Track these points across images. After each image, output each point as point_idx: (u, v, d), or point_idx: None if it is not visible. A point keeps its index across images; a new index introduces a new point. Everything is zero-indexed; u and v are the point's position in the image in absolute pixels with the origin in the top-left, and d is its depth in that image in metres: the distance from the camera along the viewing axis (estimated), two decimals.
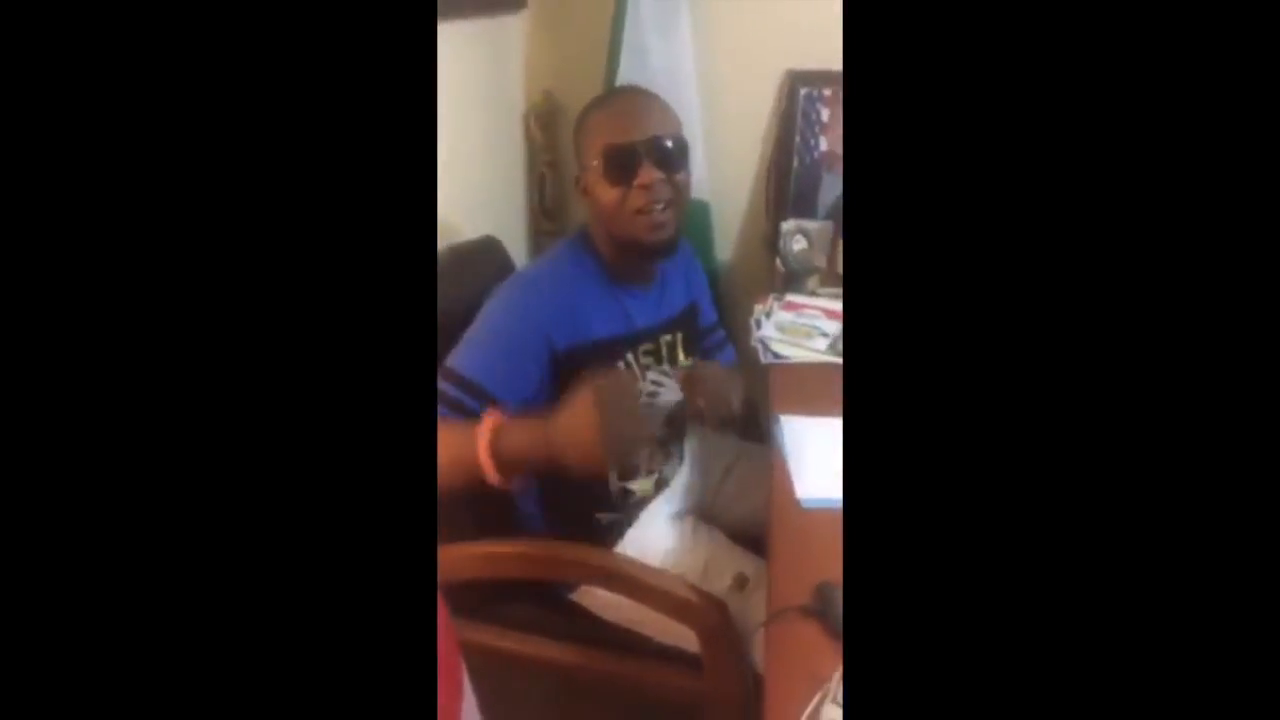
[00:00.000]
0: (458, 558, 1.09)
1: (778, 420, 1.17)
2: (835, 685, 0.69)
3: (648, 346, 1.21)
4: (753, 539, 1.21)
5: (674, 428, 1.31)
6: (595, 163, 1.09)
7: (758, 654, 0.97)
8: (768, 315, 1.52)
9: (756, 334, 1.46)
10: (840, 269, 1.62)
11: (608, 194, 1.09)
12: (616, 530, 1.22)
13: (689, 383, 1.14)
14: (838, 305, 1.53)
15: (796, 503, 1.01)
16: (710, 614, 1.01)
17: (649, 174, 1.07)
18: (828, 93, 1.72)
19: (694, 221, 1.67)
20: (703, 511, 1.35)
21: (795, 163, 1.77)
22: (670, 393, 1.22)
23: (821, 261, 1.64)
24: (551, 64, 1.88)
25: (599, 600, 1.18)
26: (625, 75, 1.69)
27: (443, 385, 1.01)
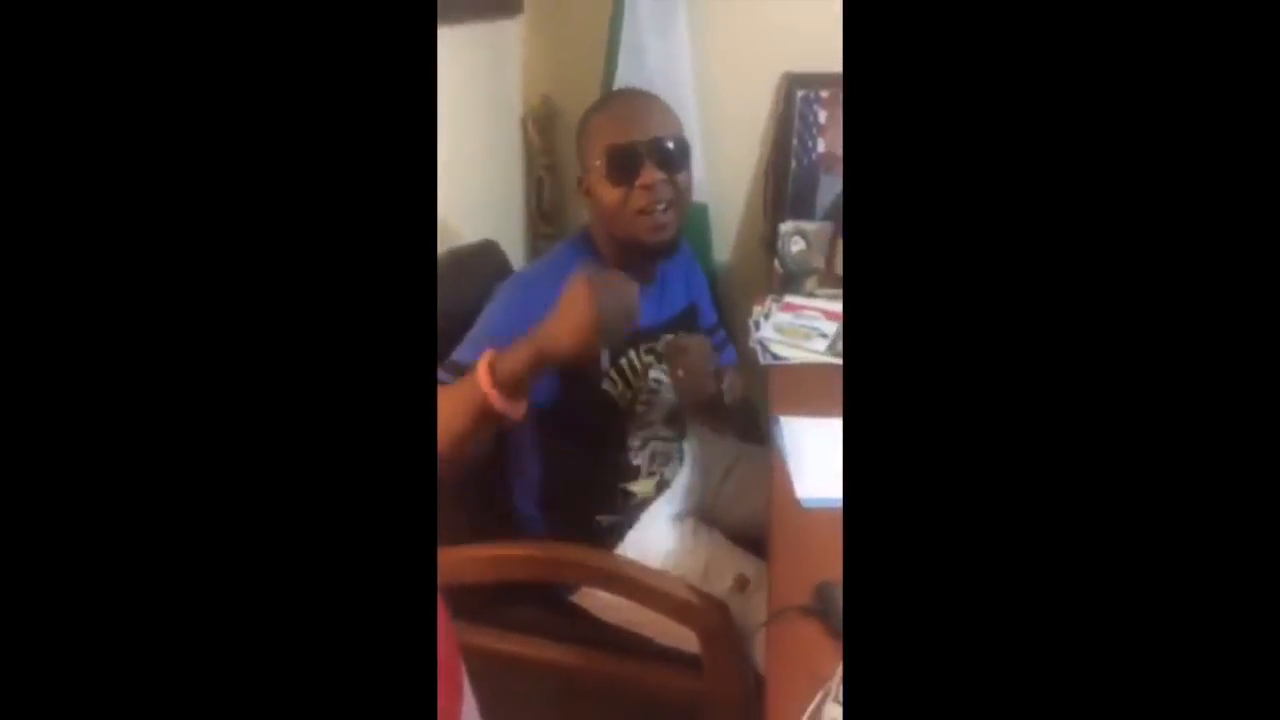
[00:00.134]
0: (458, 560, 1.09)
1: (777, 421, 1.18)
2: (836, 684, 0.70)
3: (648, 346, 1.21)
4: (753, 540, 1.21)
5: (675, 426, 1.31)
6: (597, 163, 1.10)
7: (758, 654, 0.98)
8: (766, 317, 1.52)
9: (755, 335, 1.46)
10: (838, 270, 1.62)
11: (610, 194, 1.09)
12: (617, 532, 1.22)
13: (670, 351, 1.13)
14: (836, 306, 1.53)
15: (796, 503, 1.01)
16: (711, 615, 1.01)
17: (651, 174, 1.07)
18: (825, 95, 1.72)
19: (692, 223, 1.66)
20: (703, 513, 1.35)
21: (793, 164, 1.77)
22: (671, 392, 1.22)
23: (819, 263, 1.64)
24: (549, 68, 1.88)
25: (599, 602, 1.18)
26: (623, 78, 1.69)
27: (443, 375, 1.01)
